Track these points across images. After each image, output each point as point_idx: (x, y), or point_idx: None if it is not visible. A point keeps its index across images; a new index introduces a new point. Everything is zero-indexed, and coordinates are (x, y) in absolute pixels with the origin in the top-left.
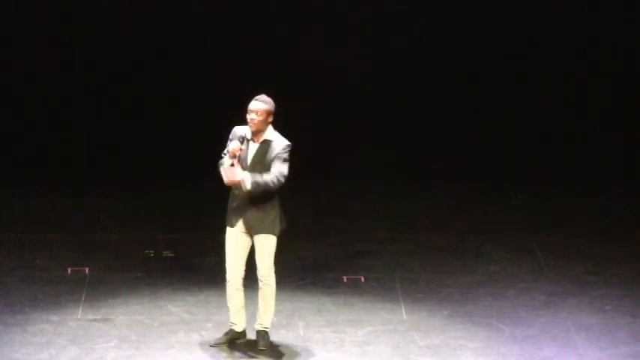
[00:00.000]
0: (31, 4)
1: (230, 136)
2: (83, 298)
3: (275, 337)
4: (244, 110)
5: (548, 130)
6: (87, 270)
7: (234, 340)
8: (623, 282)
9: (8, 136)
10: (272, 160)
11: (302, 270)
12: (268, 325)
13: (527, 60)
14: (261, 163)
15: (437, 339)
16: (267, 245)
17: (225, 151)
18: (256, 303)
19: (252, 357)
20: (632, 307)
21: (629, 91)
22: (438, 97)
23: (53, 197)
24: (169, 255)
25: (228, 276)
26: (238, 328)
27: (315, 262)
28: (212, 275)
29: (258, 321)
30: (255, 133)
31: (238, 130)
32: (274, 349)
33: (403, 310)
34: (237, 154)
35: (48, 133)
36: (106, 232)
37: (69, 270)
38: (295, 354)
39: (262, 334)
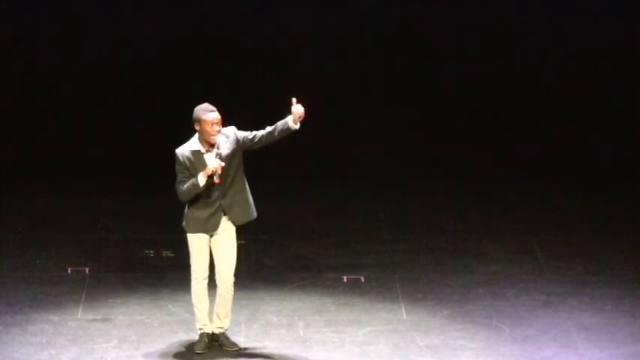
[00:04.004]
0: (31, 4)
1: (179, 160)
2: (83, 298)
3: (275, 337)
4: (244, 110)
5: (549, 130)
6: (87, 270)
7: (211, 344)
8: (623, 282)
9: (8, 136)
10: (238, 146)
11: (302, 270)
12: (227, 327)
13: (528, 60)
14: (228, 166)
15: (437, 339)
16: (234, 244)
17: (180, 177)
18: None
19: (249, 353)
20: (632, 307)
21: (629, 91)
22: (438, 97)
23: (53, 197)
24: (169, 255)
25: (199, 274)
26: (209, 330)
27: (315, 262)
28: (212, 275)
29: (219, 324)
30: (211, 144)
31: (185, 152)
32: (240, 344)
33: (403, 310)
34: (219, 172)
35: (48, 134)
36: (106, 232)
37: (69, 270)
38: (295, 354)
39: (226, 336)
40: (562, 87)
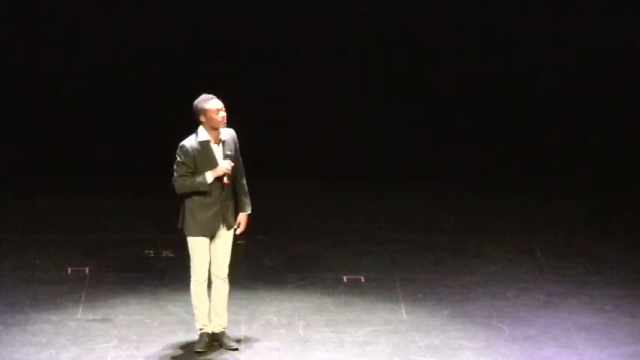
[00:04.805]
0: (31, 4)
1: (187, 153)
2: (83, 298)
3: (275, 337)
4: (244, 110)
5: (549, 130)
6: (87, 270)
7: (211, 344)
8: (623, 282)
9: (8, 136)
10: (238, 155)
11: (302, 270)
12: (226, 325)
13: (528, 60)
14: (235, 166)
15: (437, 339)
16: (231, 240)
17: (184, 170)
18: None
19: (249, 353)
20: (632, 307)
21: (629, 91)
22: (438, 97)
23: (53, 197)
24: (169, 255)
25: (199, 276)
26: (209, 330)
27: (315, 262)
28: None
29: (219, 322)
30: (218, 133)
31: (194, 144)
32: (240, 342)
33: (403, 310)
34: (230, 173)
35: (48, 133)
36: (106, 232)
37: (69, 270)
38: (295, 354)
39: (226, 335)
40: (562, 87)
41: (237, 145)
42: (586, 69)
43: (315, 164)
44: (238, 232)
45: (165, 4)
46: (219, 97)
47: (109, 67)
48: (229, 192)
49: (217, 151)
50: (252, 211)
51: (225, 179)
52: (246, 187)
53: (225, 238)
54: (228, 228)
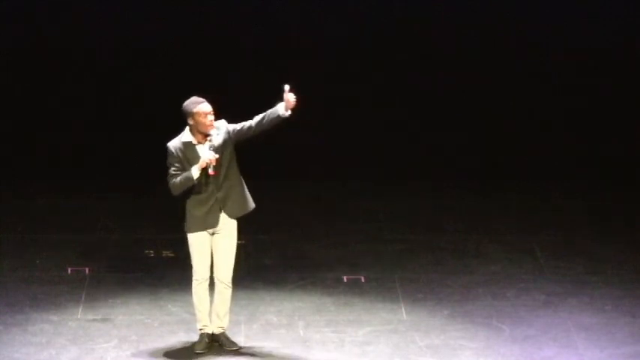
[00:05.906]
0: (31, 4)
1: (171, 154)
2: (83, 298)
3: (275, 337)
4: (243, 110)
5: (549, 130)
6: (87, 270)
7: (211, 344)
8: (623, 282)
9: (8, 136)
10: (230, 137)
11: (302, 270)
12: (226, 327)
13: (529, 60)
14: (221, 158)
15: (437, 339)
16: (234, 243)
17: (173, 170)
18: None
19: (249, 353)
20: (632, 307)
21: (629, 91)
22: (438, 97)
23: (53, 197)
24: (169, 255)
25: (200, 276)
26: (209, 330)
27: (315, 262)
28: (211, 275)
29: (218, 324)
30: (205, 135)
31: (178, 145)
32: (240, 344)
33: (403, 310)
34: (214, 164)
35: (48, 133)
36: (106, 232)
37: (69, 270)
38: (295, 354)
39: (226, 335)
40: (562, 87)
41: (230, 127)
42: (586, 69)
43: (315, 164)
44: (291, 101)
45: (165, 4)
46: (218, 97)
47: (109, 67)
48: (225, 186)
49: (202, 150)
50: (252, 210)
51: (210, 170)
52: (267, 113)
53: (225, 241)
54: (230, 216)
